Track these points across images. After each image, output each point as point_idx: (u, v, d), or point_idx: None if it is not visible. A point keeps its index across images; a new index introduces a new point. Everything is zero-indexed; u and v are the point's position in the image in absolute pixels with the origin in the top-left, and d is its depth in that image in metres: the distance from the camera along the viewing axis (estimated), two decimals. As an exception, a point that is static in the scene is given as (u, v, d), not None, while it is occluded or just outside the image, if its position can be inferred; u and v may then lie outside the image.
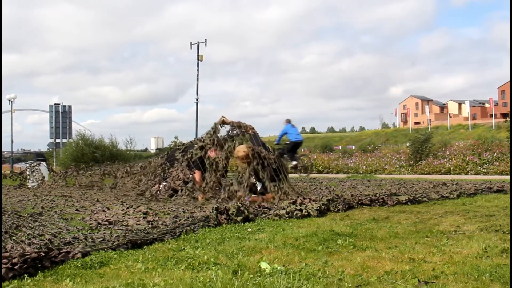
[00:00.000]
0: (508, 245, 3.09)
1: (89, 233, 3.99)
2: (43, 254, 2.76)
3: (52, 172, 14.05)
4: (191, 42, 25.43)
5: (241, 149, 6.65)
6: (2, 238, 3.62)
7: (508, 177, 11.97)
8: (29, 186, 12.14)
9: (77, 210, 5.87)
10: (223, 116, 7.60)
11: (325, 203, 5.26)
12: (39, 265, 2.69)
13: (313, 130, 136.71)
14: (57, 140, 36.78)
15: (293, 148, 13.73)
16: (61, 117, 36.82)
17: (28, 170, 13.38)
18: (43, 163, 13.86)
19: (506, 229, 3.67)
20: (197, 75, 25.27)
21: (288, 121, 13.85)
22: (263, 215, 4.79)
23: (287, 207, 5.01)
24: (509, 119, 16.34)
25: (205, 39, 25.25)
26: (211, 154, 7.21)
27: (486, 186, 7.79)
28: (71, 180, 12.31)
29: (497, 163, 14.35)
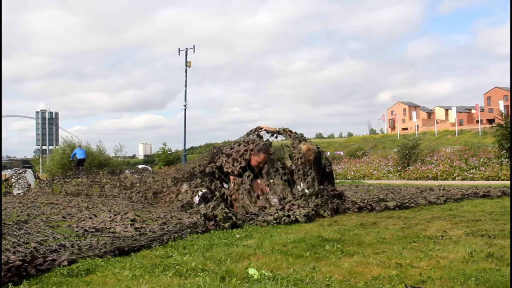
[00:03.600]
0: (494, 249, 3.12)
1: (76, 240, 3.95)
2: (27, 262, 2.73)
3: (38, 180, 13.88)
4: (179, 48, 25.58)
5: (308, 148, 6.05)
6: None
7: (494, 182, 12.13)
8: (15, 194, 11.97)
9: (63, 217, 5.81)
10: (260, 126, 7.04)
11: (313, 208, 5.27)
12: (24, 273, 2.65)
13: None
14: (44, 147, 36.41)
15: (79, 162, 23.51)
16: (48, 123, 36.47)
17: (13, 177, 13.19)
18: (29, 170, 13.69)
19: (492, 234, 3.72)
20: (185, 81, 25.33)
21: (79, 145, 24.96)
22: (251, 221, 4.78)
23: (275, 213, 5.01)
24: (495, 125, 16.54)
25: (193, 46, 25.48)
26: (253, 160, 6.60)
27: (472, 191, 7.88)
28: (57, 188, 12.17)
29: (483, 169, 14.53)
